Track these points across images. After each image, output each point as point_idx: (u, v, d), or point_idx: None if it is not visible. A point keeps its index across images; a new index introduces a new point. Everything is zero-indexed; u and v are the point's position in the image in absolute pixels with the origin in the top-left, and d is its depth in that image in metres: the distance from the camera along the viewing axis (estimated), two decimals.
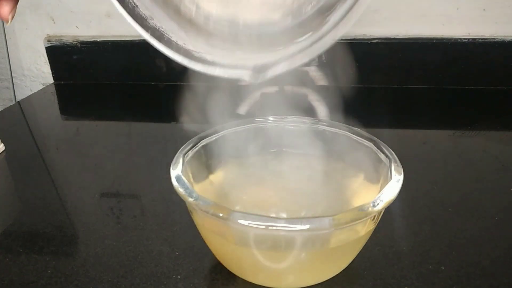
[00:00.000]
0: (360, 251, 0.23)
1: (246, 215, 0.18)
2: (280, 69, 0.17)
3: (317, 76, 0.55)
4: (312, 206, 0.24)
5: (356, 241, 0.21)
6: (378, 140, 0.25)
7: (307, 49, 0.17)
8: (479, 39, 0.51)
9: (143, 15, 0.17)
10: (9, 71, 0.61)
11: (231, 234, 0.20)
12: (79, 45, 0.57)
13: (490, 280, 0.23)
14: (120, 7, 0.17)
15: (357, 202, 0.24)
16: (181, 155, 0.24)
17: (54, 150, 0.42)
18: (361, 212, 0.19)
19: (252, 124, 0.28)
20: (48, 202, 0.32)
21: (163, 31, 0.17)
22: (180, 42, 0.18)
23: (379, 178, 0.24)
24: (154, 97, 0.55)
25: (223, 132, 0.27)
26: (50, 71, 0.60)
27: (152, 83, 0.58)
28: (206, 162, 0.26)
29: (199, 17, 0.18)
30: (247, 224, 0.18)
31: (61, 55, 0.58)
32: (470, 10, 0.51)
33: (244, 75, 0.17)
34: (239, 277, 0.24)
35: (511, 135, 0.43)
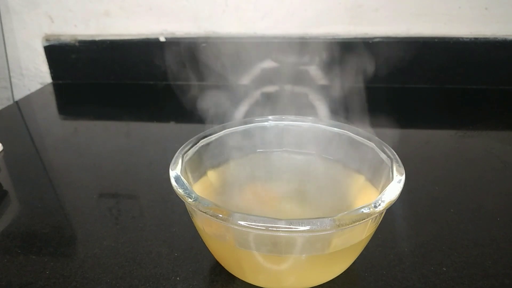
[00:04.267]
0: (361, 252, 0.23)
1: (246, 216, 0.18)
2: None
3: (318, 75, 0.54)
4: (313, 207, 0.24)
5: (357, 242, 0.21)
6: (379, 140, 0.25)
7: None
8: (481, 38, 0.51)
9: None
10: (7, 71, 0.60)
11: (231, 235, 0.20)
12: (77, 44, 0.57)
13: (492, 281, 0.23)
14: None
15: (359, 202, 0.24)
16: (180, 155, 0.23)
17: (52, 150, 0.41)
18: (363, 213, 0.19)
19: (251, 124, 0.28)
20: (46, 202, 0.32)
21: None
22: None
23: (381, 178, 0.23)
24: (153, 96, 0.55)
25: (222, 132, 0.27)
26: (48, 71, 0.60)
27: (151, 83, 0.58)
28: (205, 162, 0.26)
29: None
30: (247, 225, 0.18)
31: (59, 54, 0.58)
32: (471, 9, 0.50)
33: None
34: (238, 279, 0.23)
35: None
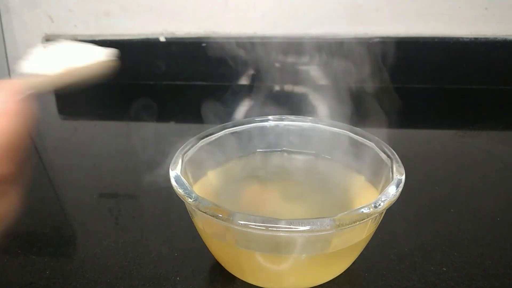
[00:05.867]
0: (361, 252, 0.22)
1: (246, 216, 0.18)
2: None
3: (318, 75, 0.54)
4: (313, 207, 0.24)
5: (358, 242, 0.21)
6: (379, 140, 0.25)
7: None
8: (481, 38, 0.51)
9: None
10: (7, 71, 0.60)
11: (231, 235, 0.20)
12: None
13: (492, 281, 0.23)
14: None
15: (359, 202, 0.24)
16: (180, 155, 0.23)
17: (52, 150, 0.41)
18: (363, 213, 0.19)
19: (252, 124, 0.28)
20: (46, 202, 0.32)
21: None
22: None
23: (381, 178, 0.23)
24: (153, 96, 0.55)
25: (222, 132, 0.27)
26: None
27: (151, 83, 0.58)
28: (205, 163, 0.26)
29: None
30: (247, 225, 0.18)
31: None
32: (471, 9, 0.50)
33: None
34: (238, 279, 0.23)
35: None
